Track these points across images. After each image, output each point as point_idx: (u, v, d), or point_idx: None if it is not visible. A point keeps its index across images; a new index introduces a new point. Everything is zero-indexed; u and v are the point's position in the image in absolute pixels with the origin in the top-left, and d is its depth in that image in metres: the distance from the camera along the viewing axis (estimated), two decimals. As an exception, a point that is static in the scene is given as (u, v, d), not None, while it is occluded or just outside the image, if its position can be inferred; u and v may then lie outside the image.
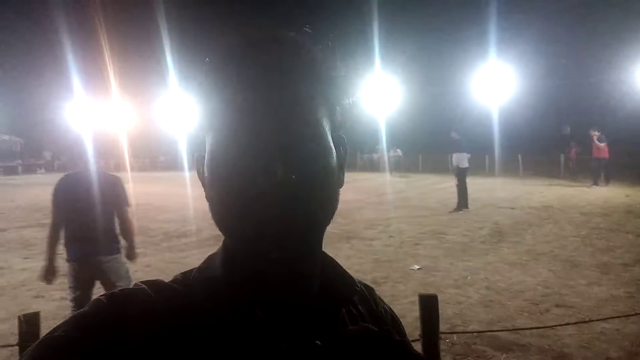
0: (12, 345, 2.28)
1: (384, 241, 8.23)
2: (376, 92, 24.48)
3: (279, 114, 0.50)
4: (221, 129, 0.52)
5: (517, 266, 6.30)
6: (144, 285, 0.53)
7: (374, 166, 26.41)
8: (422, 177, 20.96)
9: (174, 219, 11.16)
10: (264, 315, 0.52)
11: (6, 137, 33.32)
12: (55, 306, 5.30)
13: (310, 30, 0.56)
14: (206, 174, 0.54)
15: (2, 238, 9.47)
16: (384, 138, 25.45)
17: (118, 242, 3.58)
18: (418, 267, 6.38)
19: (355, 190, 16.63)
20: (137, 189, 18.58)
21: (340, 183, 0.58)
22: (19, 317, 2.24)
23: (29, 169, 29.14)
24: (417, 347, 2.32)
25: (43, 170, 30.33)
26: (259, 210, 0.49)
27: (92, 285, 3.50)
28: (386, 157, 24.71)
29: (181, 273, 0.59)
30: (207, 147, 0.54)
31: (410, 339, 0.72)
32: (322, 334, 0.56)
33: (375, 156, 27.53)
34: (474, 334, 4.07)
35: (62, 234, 3.55)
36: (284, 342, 0.52)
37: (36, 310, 2.29)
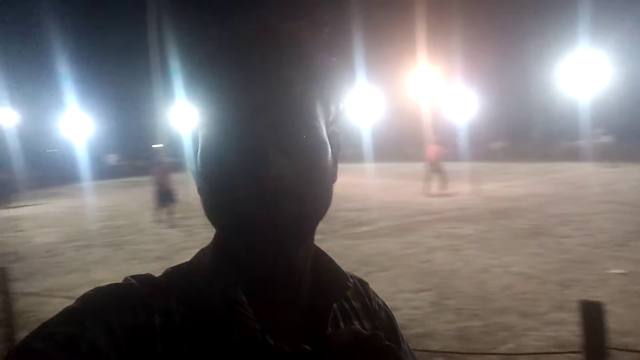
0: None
1: (578, 239, 7.27)
2: (579, 69, 21.51)
3: (273, 109, 0.50)
4: (214, 125, 0.51)
5: None
6: (133, 280, 0.53)
7: (576, 155, 23.31)
8: (639, 167, 17.72)
9: (355, 208, 11.67)
10: (253, 311, 0.52)
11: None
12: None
13: (305, 22, 0.54)
14: (199, 168, 0.53)
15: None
16: (588, 122, 22.27)
17: None
18: (620, 272, 5.49)
19: (552, 183, 14.97)
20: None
21: (334, 178, 0.57)
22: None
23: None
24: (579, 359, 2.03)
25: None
26: (253, 206, 0.48)
27: None
28: (592, 145, 21.57)
29: (172, 267, 0.59)
30: (200, 142, 0.53)
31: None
32: (312, 333, 0.55)
33: (578, 143, 24.26)
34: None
35: None
36: (272, 340, 0.51)
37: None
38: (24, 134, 28.07)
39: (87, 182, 24.64)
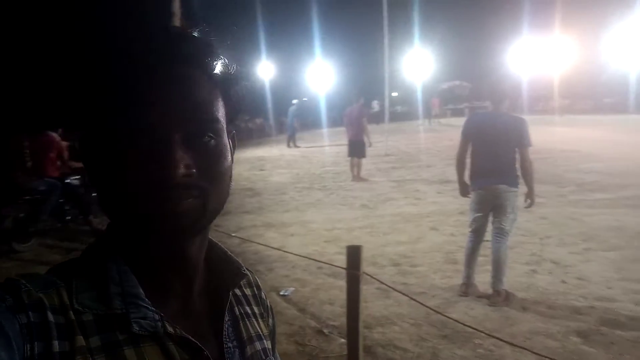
0: (340, 267, 2.65)
1: None
2: None
3: (179, 111, 0.51)
4: (123, 123, 0.51)
5: None
6: (21, 279, 0.51)
7: None
8: None
9: (597, 170, 9.83)
10: (150, 302, 0.54)
11: (457, 83, 37.55)
12: (443, 240, 5.79)
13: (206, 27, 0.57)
14: (102, 162, 0.53)
15: (428, 172, 10.97)
16: None
17: (517, 177, 3.92)
18: None
19: None
20: (565, 133, 17.22)
21: (231, 176, 0.60)
22: (347, 247, 2.57)
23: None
24: None
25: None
26: (159, 200, 0.50)
27: (489, 210, 4.02)
28: None
29: (61, 263, 0.57)
30: (107, 137, 0.52)
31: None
32: (210, 320, 0.61)
33: None
34: None
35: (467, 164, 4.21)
36: (172, 328, 0.53)
37: (359, 245, 2.55)
38: (280, 84, 32.27)
39: (328, 128, 27.25)
